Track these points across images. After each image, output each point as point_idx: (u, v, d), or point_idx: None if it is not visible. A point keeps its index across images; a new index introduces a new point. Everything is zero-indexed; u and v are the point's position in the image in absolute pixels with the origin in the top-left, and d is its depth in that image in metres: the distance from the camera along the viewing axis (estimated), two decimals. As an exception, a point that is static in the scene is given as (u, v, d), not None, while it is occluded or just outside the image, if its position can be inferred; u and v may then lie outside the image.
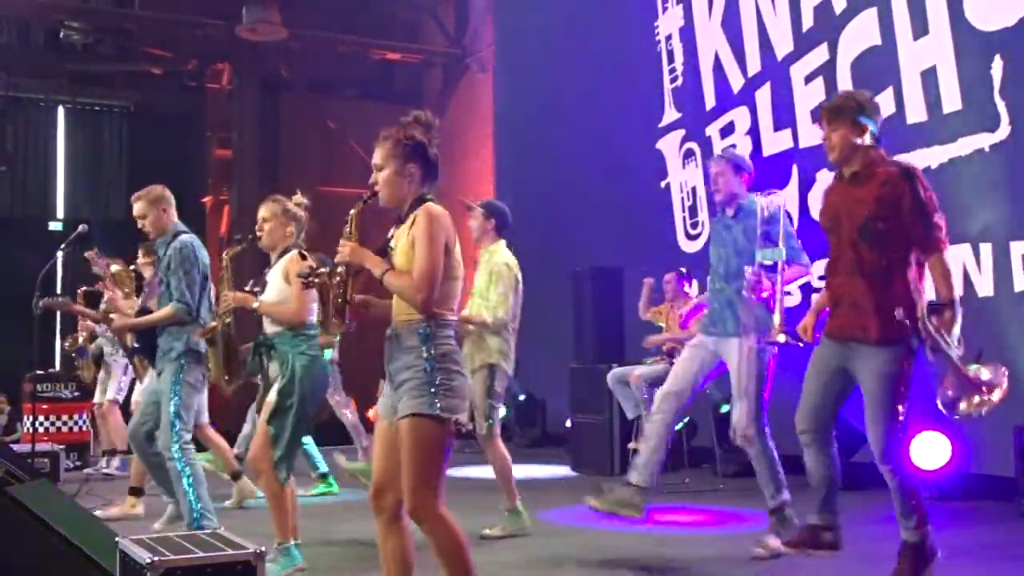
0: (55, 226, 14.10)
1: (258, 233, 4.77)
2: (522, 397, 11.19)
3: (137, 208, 5.40)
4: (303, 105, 14.33)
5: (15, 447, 7.54)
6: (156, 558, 3.14)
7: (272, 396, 4.54)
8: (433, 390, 3.07)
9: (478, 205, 5.83)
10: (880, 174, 3.97)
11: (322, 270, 3.25)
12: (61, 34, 13.44)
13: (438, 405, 3.05)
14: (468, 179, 13.50)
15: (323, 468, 7.35)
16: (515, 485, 5.66)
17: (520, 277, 5.71)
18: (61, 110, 14.43)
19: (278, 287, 4.65)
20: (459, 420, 3.12)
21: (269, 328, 4.64)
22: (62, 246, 7.07)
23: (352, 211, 3.24)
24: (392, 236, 3.25)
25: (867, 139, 4.01)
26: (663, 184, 9.72)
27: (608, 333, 8.72)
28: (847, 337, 3.97)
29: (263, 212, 4.78)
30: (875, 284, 3.91)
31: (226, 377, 4.87)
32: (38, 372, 8.90)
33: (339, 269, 3.19)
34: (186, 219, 5.57)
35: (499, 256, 5.69)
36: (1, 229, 13.62)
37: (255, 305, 4.66)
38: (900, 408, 3.86)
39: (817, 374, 4.04)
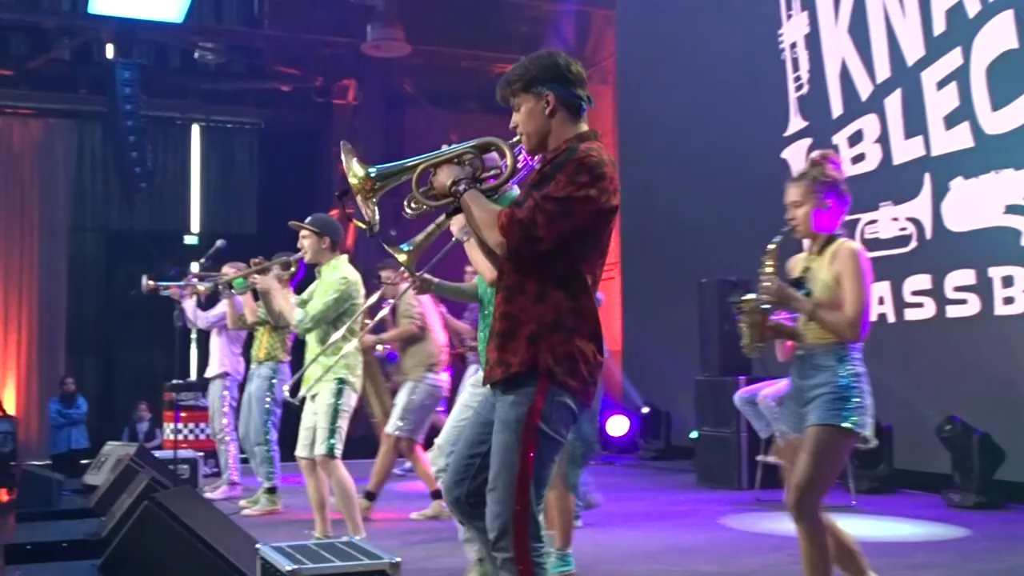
0: (191, 240, 14.67)
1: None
2: (646, 409, 11.13)
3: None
4: (426, 119, 14.50)
5: (157, 453, 7.82)
6: (296, 566, 3.21)
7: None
8: (849, 406, 3.34)
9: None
10: None
11: (748, 297, 3.55)
12: (196, 54, 13.96)
13: (852, 419, 3.32)
14: None
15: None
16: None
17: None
18: (196, 128, 14.96)
19: None
20: (864, 436, 3.37)
21: None
22: (201, 260, 7.43)
23: (770, 246, 3.48)
24: (806, 269, 3.52)
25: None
26: (789, 194, 9.54)
27: (734, 346, 8.53)
28: None
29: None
30: None
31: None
32: (177, 381, 9.20)
33: (764, 306, 3.50)
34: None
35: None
36: (140, 242, 14.19)
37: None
38: None
39: None
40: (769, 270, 3.48)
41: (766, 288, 3.45)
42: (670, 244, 10.62)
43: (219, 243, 7.20)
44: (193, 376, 11.21)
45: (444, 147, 2.84)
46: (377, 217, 2.75)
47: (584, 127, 2.82)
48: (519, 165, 2.86)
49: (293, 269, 6.06)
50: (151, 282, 7.65)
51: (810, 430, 3.34)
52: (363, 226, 2.77)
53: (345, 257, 5.48)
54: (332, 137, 14.60)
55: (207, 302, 8.18)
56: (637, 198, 11.45)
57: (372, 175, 2.69)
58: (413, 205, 2.81)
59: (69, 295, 14.20)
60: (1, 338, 13.90)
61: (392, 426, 6.86)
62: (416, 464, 6.96)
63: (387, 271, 6.42)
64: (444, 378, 6.98)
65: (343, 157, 2.71)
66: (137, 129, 12.95)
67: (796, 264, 3.64)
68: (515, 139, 2.84)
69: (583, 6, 14.23)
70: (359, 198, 2.70)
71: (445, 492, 2.92)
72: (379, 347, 7.11)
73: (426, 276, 4.57)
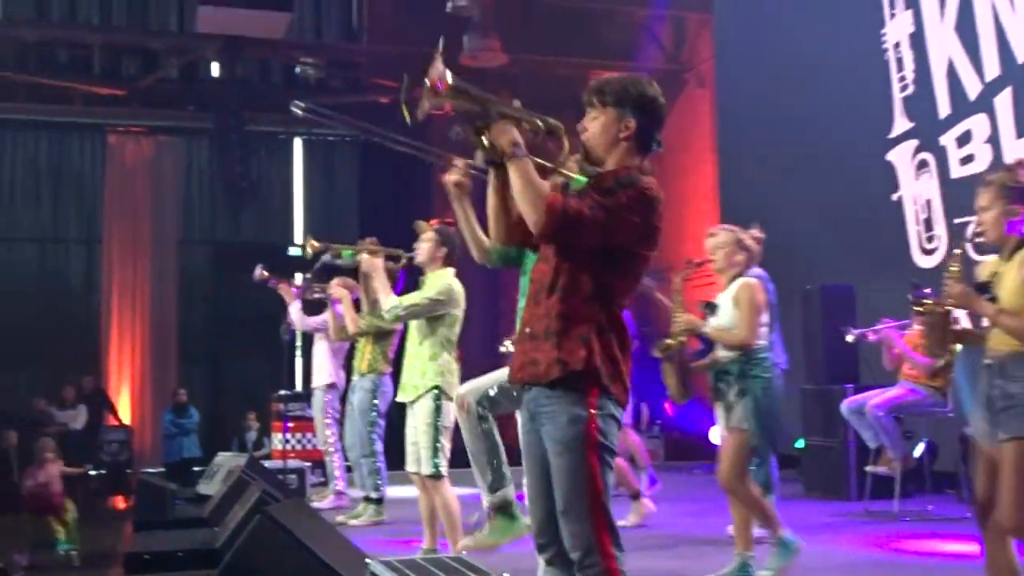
0: (294, 251, 14.50)
1: (710, 259, 5.13)
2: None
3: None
4: (525, 134, 14.37)
5: (266, 463, 7.97)
6: (405, 582, 3.26)
7: (736, 420, 4.81)
8: None
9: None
10: None
11: (927, 301, 3.56)
12: (297, 69, 14.20)
13: None
14: (688, 197, 13.34)
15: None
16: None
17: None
18: (298, 142, 15.19)
19: (729, 312, 4.94)
20: None
21: (722, 353, 4.94)
22: (306, 275, 7.60)
23: (956, 250, 3.55)
24: (993, 274, 3.48)
25: None
26: (895, 197, 9.34)
27: (840, 353, 8.42)
28: None
29: (715, 241, 5.12)
30: None
31: (682, 393, 5.15)
32: (283, 392, 9.37)
33: (947, 306, 3.48)
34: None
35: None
36: (246, 254, 14.31)
37: (705, 329, 4.99)
38: None
39: None
40: (953, 273, 3.45)
41: (949, 291, 3.43)
42: (772, 250, 10.26)
43: (326, 256, 7.15)
44: (299, 386, 11.37)
45: (516, 102, 2.89)
46: (420, 117, 2.77)
47: (646, 163, 2.90)
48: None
49: (402, 263, 6.12)
50: (265, 272, 7.94)
51: (1010, 445, 3.29)
52: (406, 113, 2.85)
53: (453, 271, 5.43)
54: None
55: (310, 310, 8.30)
56: (737, 203, 11.35)
57: (449, 81, 2.70)
58: (461, 133, 2.85)
59: (179, 307, 14.55)
60: (116, 349, 14.26)
61: None
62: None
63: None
64: None
65: (436, 55, 2.73)
66: (242, 144, 13.20)
67: (984, 268, 3.61)
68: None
69: (678, 10, 14.12)
70: (425, 93, 2.69)
71: (536, 545, 2.92)
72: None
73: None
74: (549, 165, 2.88)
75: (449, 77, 2.69)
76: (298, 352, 12.08)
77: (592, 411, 2.71)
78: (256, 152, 14.30)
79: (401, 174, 14.34)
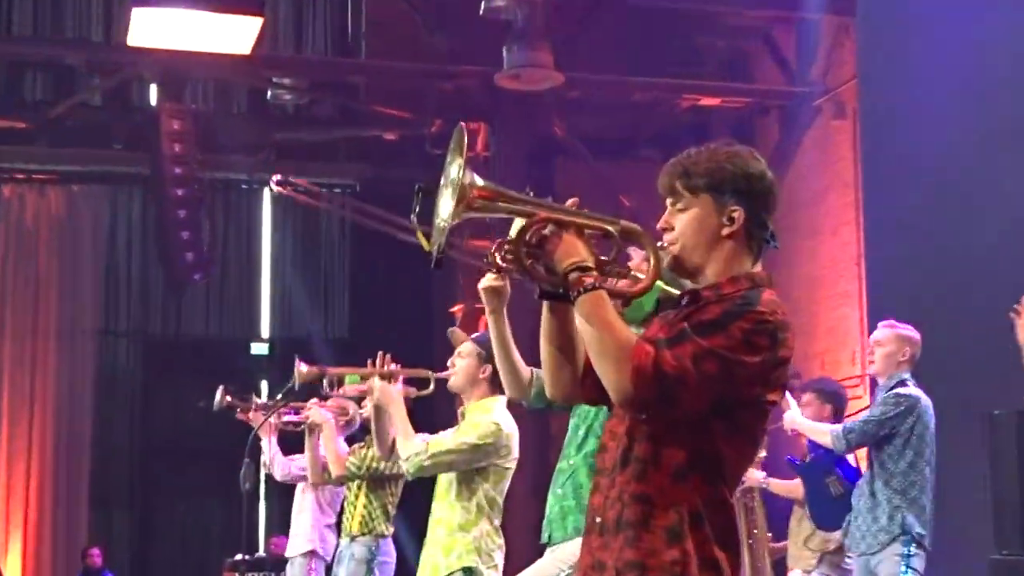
0: (259, 348, 15.04)
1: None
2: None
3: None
4: (584, 173, 14.40)
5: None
6: None
7: None
8: None
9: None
10: None
11: None
12: (268, 95, 14.23)
13: None
14: (823, 262, 13.37)
15: None
16: None
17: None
18: (267, 194, 15.27)
19: None
20: None
21: None
22: (278, 397, 7.66)
23: None
24: None
25: None
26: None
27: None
28: None
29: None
30: None
31: None
32: (242, 557, 9.23)
33: None
34: (430, 332, 5.76)
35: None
36: (192, 356, 14.59)
37: None
38: None
39: None
40: None
41: None
42: (941, 355, 10.21)
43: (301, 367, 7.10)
44: (262, 548, 11.31)
45: (571, 201, 2.91)
46: (442, 243, 2.80)
47: (759, 267, 2.94)
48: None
49: (429, 390, 6.17)
50: (229, 397, 7.94)
51: None
52: (426, 244, 2.86)
53: (504, 400, 5.35)
54: (454, 202, 14.75)
55: (289, 444, 8.33)
56: (890, 280, 11.20)
57: (478, 184, 2.76)
58: (507, 259, 2.86)
59: (95, 426, 14.52)
60: (3, 480, 14.24)
61: None
62: None
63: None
64: None
65: (452, 143, 2.80)
66: (189, 199, 13.24)
67: None
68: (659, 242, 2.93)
69: (809, 13, 14.02)
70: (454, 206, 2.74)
71: None
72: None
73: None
74: (628, 292, 2.90)
75: (480, 181, 2.75)
76: (262, 497, 12.21)
77: None
78: (209, 208, 14.36)
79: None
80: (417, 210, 2.94)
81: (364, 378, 6.20)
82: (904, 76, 11.70)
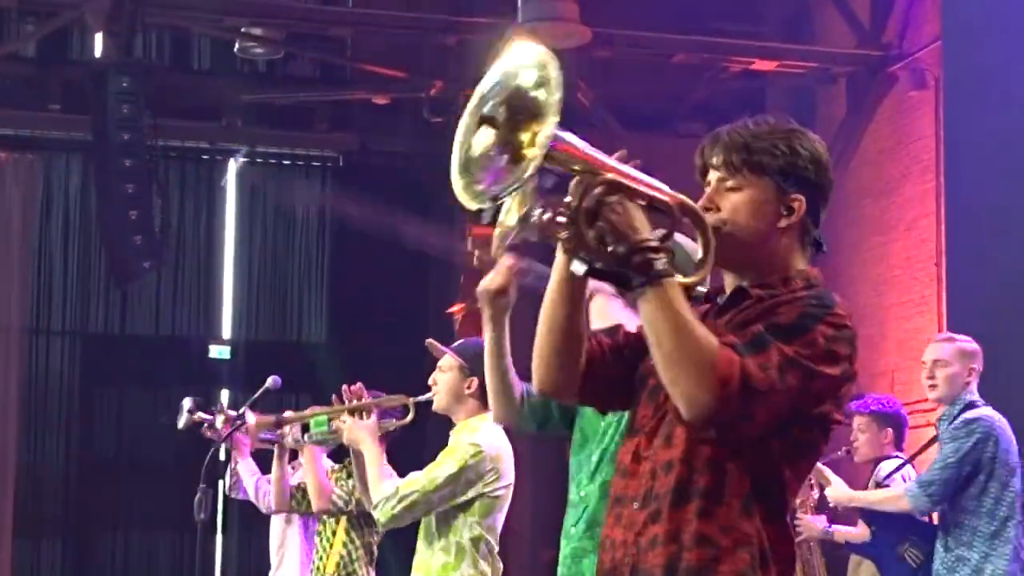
0: (219, 352, 14.83)
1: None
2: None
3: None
4: (613, 148, 14.00)
5: None
6: None
7: None
8: None
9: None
10: None
11: None
12: (235, 47, 14.00)
13: None
14: (895, 263, 13.34)
15: None
16: None
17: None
18: (232, 165, 15.14)
19: None
20: None
21: None
22: (239, 412, 7.42)
23: None
24: None
25: None
26: None
27: None
28: None
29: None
30: None
31: None
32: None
33: None
34: (425, 336, 5.96)
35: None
36: (140, 359, 14.45)
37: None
38: None
39: None
40: None
41: None
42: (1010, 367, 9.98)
43: (271, 381, 7.34)
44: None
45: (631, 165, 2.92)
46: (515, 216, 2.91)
47: (815, 270, 3.03)
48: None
49: (409, 419, 6.33)
50: (196, 411, 8.04)
51: None
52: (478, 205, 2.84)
53: (492, 417, 5.42)
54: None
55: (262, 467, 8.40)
56: (975, 284, 11.19)
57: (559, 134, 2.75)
58: (563, 228, 2.83)
59: (21, 438, 14.32)
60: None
61: None
62: None
63: None
64: None
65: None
66: (139, 171, 12.90)
67: None
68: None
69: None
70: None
71: None
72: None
73: None
74: (688, 283, 2.85)
75: (551, 126, 2.69)
76: (219, 529, 12.26)
77: None
78: (163, 182, 14.02)
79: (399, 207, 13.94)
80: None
81: (332, 417, 6.39)
82: (997, 39, 11.71)
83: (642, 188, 2.83)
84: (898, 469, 7.45)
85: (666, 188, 2.89)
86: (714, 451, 2.81)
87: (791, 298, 2.88)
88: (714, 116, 14.19)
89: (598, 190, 2.75)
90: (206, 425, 8.16)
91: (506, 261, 3.97)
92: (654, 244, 2.75)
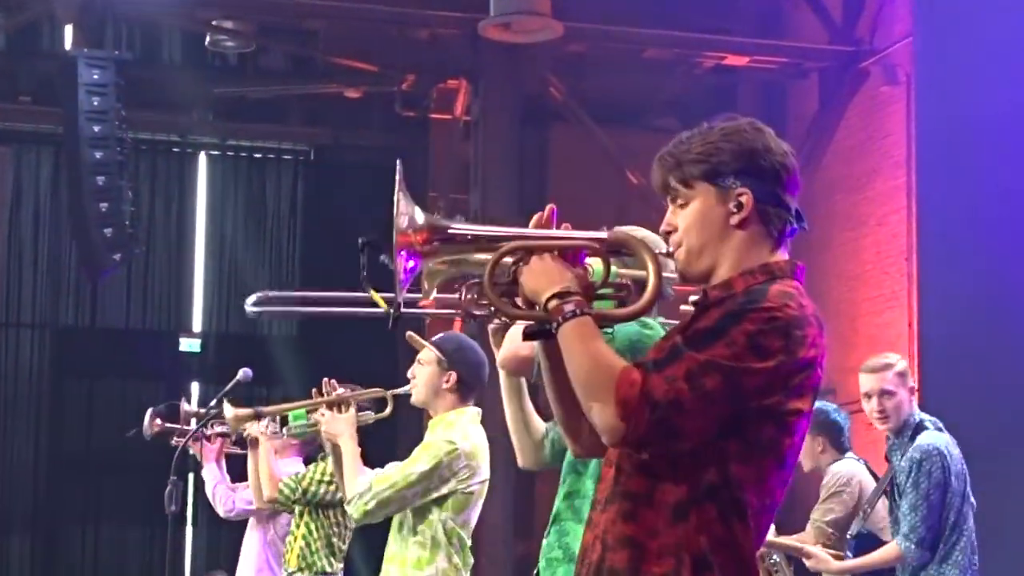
0: (189, 344, 14.83)
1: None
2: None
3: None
4: (585, 144, 14.41)
5: None
6: None
7: None
8: None
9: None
10: None
11: None
12: (207, 39, 14.08)
13: None
14: (866, 258, 13.39)
15: None
16: None
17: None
18: (203, 158, 15.18)
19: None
20: None
21: None
22: (209, 406, 7.41)
23: None
24: None
25: None
26: None
27: None
28: None
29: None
30: None
31: None
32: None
33: None
34: (399, 330, 5.84)
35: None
36: (110, 352, 14.41)
37: None
38: None
39: None
40: None
41: None
42: (1005, 363, 9.98)
43: (242, 374, 7.27)
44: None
45: (532, 225, 3.02)
46: (402, 296, 2.97)
47: (781, 255, 2.98)
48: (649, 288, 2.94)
49: (387, 412, 6.30)
50: (158, 421, 8.00)
51: None
52: (382, 303, 3.17)
53: (475, 412, 5.60)
54: (429, 174, 14.62)
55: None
56: (946, 279, 11.17)
57: (418, 223, 2.90)
58: (481, 304, 2.97)
59: None
60: None
61: None
62: None
63: None
64: None
65: (396, 195, 2.93)
66: (109, 163, 12.85)
67: None
68: (663, 250, 3.03)
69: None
70: (401, 257, 2.91)
71: None
72: None
73: None
74: (620, 315, 3.00)
75: (419, 216, 2.86)
76: (189, 523, 12.24)
77: None
78: (133, 175, 13.89)
79: (373, 210, 13.88)
80: (365, 269, 3.18)
81: (311, 411, 6.33)
82: (968, 36, 11.64)
83: (553, 243, 2.90)
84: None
85: (594, 234, 2.97)
86: (639, 460, 2.83)
87: (724, 298, 2.88)
88: (686, 111, 14.27)
89: (503, 262, 2.85)
90: (176, 435, 8.09)
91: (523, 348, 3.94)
92: (564, 290, 2.80)
